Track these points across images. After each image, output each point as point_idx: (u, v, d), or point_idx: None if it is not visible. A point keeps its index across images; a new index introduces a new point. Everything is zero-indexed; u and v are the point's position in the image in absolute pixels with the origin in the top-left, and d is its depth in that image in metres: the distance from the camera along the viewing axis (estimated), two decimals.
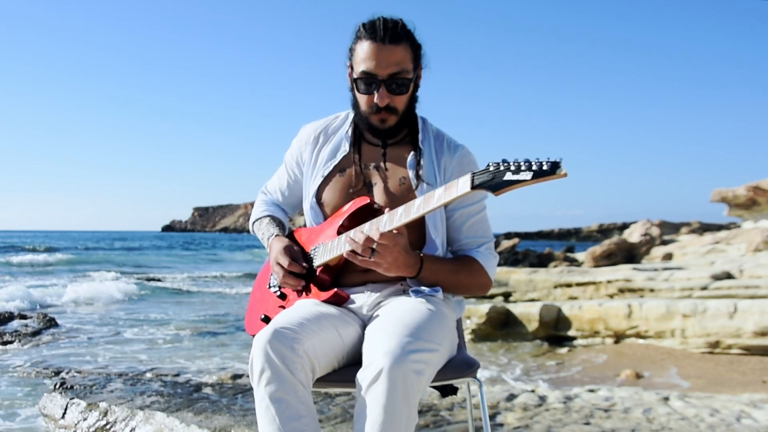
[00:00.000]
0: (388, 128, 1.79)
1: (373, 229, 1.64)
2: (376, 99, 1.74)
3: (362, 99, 1.78)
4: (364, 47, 1.73)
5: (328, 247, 1.78)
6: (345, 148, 1.88)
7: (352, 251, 1.64)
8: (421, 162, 1.82)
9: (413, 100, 1.83)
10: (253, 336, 1.82)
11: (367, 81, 1.74)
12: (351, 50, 1.79)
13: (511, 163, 1.42)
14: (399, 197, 1.80)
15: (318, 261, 1.80)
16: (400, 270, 1.66)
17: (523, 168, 1.39)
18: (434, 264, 1.74)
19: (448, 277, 1.76)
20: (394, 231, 1.62)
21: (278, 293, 1.88)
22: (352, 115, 1.92)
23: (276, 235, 1.90)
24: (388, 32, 1.72)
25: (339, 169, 1.87)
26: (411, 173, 1.81)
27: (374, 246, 1.61)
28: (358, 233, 1.65)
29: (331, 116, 1.97)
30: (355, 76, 1.77)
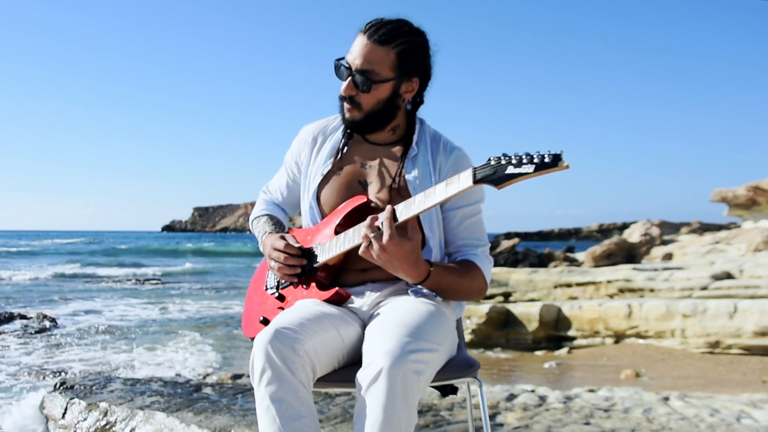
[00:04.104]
0: (351, 121, 1.81)
1: (371, 221, 1.61)
2: (342, 87, 1.78)
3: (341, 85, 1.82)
4: (357, 37, 1.76)
5: (326, 246, 1.78)
6: None
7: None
8: (411, 161, 1.82)
9: (391, 104, 1.79)
10: (251, 338, 1.83)
11: (339, 68, 1.77)
12: None
13: (513, 157, 1.41)
14: (395, 195, 1.80)
15: (317, 260, 1.80)
16: (402, 271, 1.63)
17: (524, 161, 1.38)
18: (441, 275, 1.70)
19: (452, 285, 1.74)
20: (407, 233, 1.59)
21: (276, 295, 1.87)
22: None
23: (268, 233, 1.91)
24: (378, 31, 1.73)
25: (337, 168, 1.88)
26: (405, 173, 1.82)
27: (373, 234, 1.58)
28: (367, 225, 1.61)
29: (330, 117, 1.98)
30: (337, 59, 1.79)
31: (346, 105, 1.79)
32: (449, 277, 1.72)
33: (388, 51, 1.73)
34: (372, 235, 1.58)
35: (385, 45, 1.73)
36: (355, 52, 1.74)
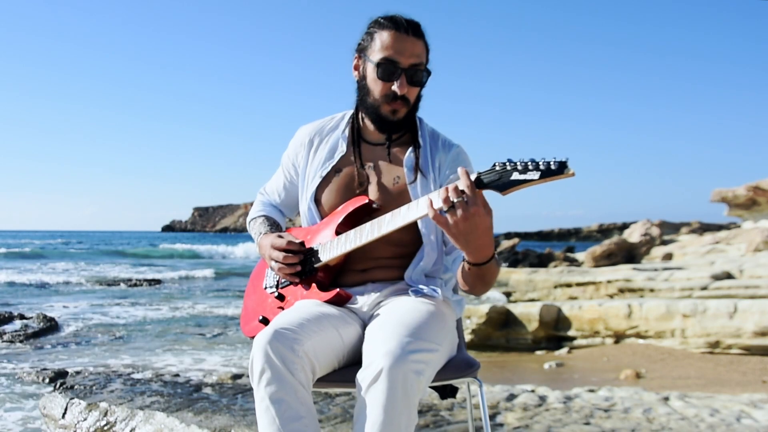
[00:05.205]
0: (397, 120, 1.79)
1: (455, 187, 1.46)
2: (395, 87, 1.74)
3: (377, 86, 1.77)
4: (385, 36, 1.74)
5: (327, 247, 1.78)
6: (342, 148, 1.89)
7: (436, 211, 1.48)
8: (410, 161, 1.82)
9: (419, 97, 1.83)
10: (250, 338, 1.82)
11: (389, 68, 1.74)
12: (365, 41, 1.79)
13: (518, 163, 1.40)
14: (394, 196, 1.80)
15: (318, 261, 1.80)
16: (477, 246, 1.50)
17: (530, 168, 1.38)
18: (497, 261, 1.62)
19: (494, 274, 1.63)
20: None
21: (276, 294, 1.87)
22: (349, 116, 1.92)
23: (264, 234, 1.91)
24: (412, 26, 1.75)
25: (336, 169, 1.88)
26: (406, 171, 1.81)
27: (458, 200, 1.44)
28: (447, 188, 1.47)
29: (327, 117, 1.97)
30: (375, 60, 1.75)
31: (393, 105, 1.76)
32: (496, 265, 1.62)
33: (424, 43, 1.78)
34: (457, 200, 1.45)
35: (421, 38, 1.77)
36: (402, 49, 1.73)
